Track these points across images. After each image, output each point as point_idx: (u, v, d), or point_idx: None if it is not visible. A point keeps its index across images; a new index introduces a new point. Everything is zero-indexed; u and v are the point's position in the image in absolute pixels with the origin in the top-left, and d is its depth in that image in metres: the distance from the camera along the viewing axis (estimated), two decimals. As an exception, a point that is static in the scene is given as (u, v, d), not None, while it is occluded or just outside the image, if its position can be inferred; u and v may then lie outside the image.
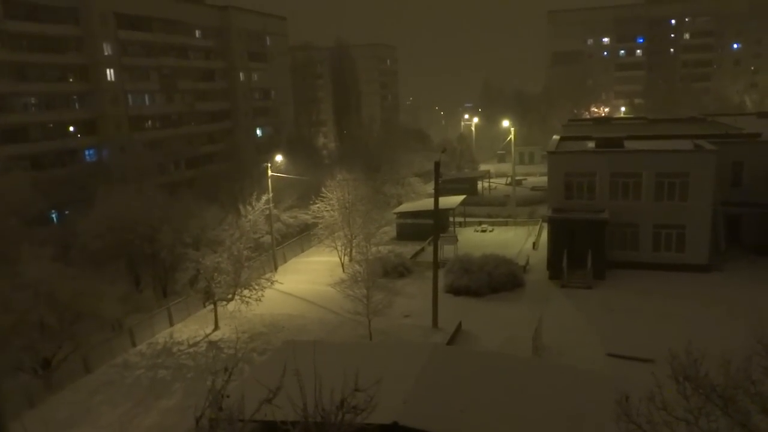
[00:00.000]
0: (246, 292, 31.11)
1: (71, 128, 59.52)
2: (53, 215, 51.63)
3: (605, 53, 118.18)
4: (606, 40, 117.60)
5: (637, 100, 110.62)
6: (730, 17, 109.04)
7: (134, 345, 29.77)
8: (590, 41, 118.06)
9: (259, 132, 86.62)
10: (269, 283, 32.58)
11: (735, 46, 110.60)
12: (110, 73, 62.17)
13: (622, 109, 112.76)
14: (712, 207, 35.73)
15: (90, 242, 34.66)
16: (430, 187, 55.97)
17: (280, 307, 34.34)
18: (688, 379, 9.09)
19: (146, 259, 36.50)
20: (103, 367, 27.52)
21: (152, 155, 61.77)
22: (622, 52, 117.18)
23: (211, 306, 31.81)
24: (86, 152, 60.41)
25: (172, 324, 32.43)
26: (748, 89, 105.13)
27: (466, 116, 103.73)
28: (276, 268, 41.62)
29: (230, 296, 31.05)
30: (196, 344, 29.91)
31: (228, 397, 10.04)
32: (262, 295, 31.64)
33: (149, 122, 68.80)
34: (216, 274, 30.40)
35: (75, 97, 60.32)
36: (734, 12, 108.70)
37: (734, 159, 38.29)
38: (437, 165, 30.20)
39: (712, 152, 35.84)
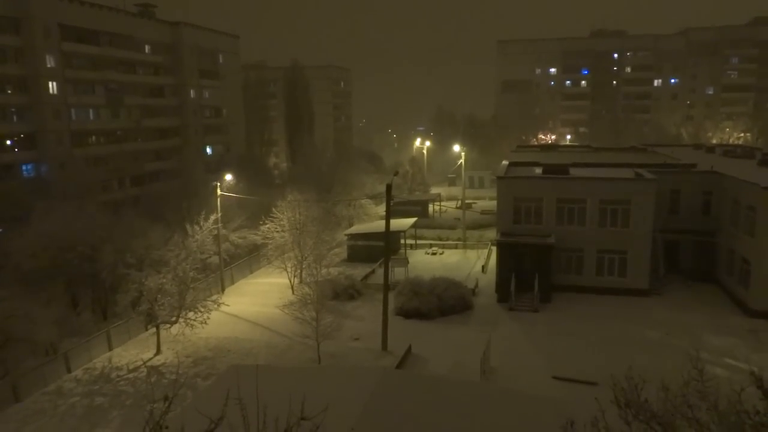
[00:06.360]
0: (191, 314, 30.15)
1: (8, 142, 57.06)
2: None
3: (552, 83, 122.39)
4: (553, 70, 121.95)
5: (581, 129, 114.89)
6: (668, 53, 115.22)
7: (69, 371, 28.27)
8: (538, 71, 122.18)
9: (209, 150, 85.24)
10: (215, 306, 31.72)
11: (672, 81, 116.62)
12: (53, 86, 60.11)
13: (568, 136, 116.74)
14: (651, 233, 37.15)
15: (24, 262, 32.97)
16: (382, 209, 56.11)
17: (226, 330, 33.47)
18: (629, 405, 9.26)
19: (85, 280, 34.96)
20: (34, 394, 25.99)
21: (95, 172, 59.78)
22: (568, 82, 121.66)
23: (154, 329, 30.68)
24: (23, 167, 57.93)
25: (111, 348, 31.04)
26: (684, 122, 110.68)
27: (419, 140, 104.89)
28: (223, 290, 40.66)
29: (174, 319, 30.01)
30: (136, 369, 28.70)
31: (167, 428, 9.57)
32: (208, 318, 30.75)
33: (93, 138, 66.61)
34: (159, 295, 29.39)
35: (13, 109, 57.93)
36: (672, 49, 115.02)
37: (672, 187, 40.09)
38: (389, 187, 30.29)
39: (652, 181, 37.37)
